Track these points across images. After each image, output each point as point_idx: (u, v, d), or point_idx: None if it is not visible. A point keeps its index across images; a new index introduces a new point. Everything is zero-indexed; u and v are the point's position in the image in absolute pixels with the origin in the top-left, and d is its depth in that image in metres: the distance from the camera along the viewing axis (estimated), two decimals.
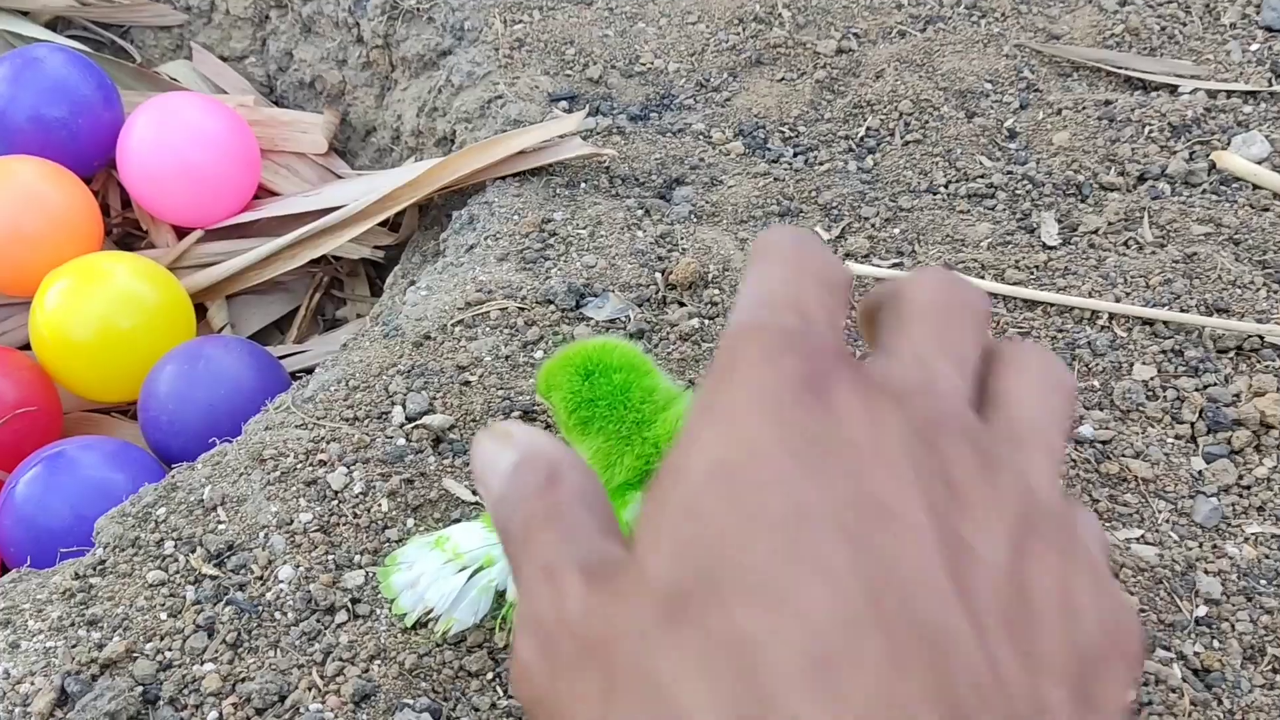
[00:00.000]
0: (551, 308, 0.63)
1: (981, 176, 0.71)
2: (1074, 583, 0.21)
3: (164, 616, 0.47)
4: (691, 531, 0.21)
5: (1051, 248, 0.65)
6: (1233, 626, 0.48)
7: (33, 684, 0.45)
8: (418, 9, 0.90)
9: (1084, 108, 0.75)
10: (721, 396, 0.23)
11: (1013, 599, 0.21)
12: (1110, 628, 0.22)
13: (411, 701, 0.45)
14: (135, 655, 0.46)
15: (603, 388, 0.44)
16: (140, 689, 0.44)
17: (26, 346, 0.85)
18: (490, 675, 0.46)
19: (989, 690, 0.19)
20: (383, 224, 0.86)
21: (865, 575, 0.20)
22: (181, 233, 0.92)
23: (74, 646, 0.46)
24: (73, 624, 0.47)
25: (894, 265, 0.66)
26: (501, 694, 0.45)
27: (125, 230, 0.96)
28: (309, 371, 0.87)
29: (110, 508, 0.70)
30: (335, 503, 0.52)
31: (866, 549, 0.20)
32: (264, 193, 0.94)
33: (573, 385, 0.44)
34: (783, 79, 0.81)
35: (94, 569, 0.50)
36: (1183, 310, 0.60)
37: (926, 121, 0.76)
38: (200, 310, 0.89)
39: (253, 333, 0.92)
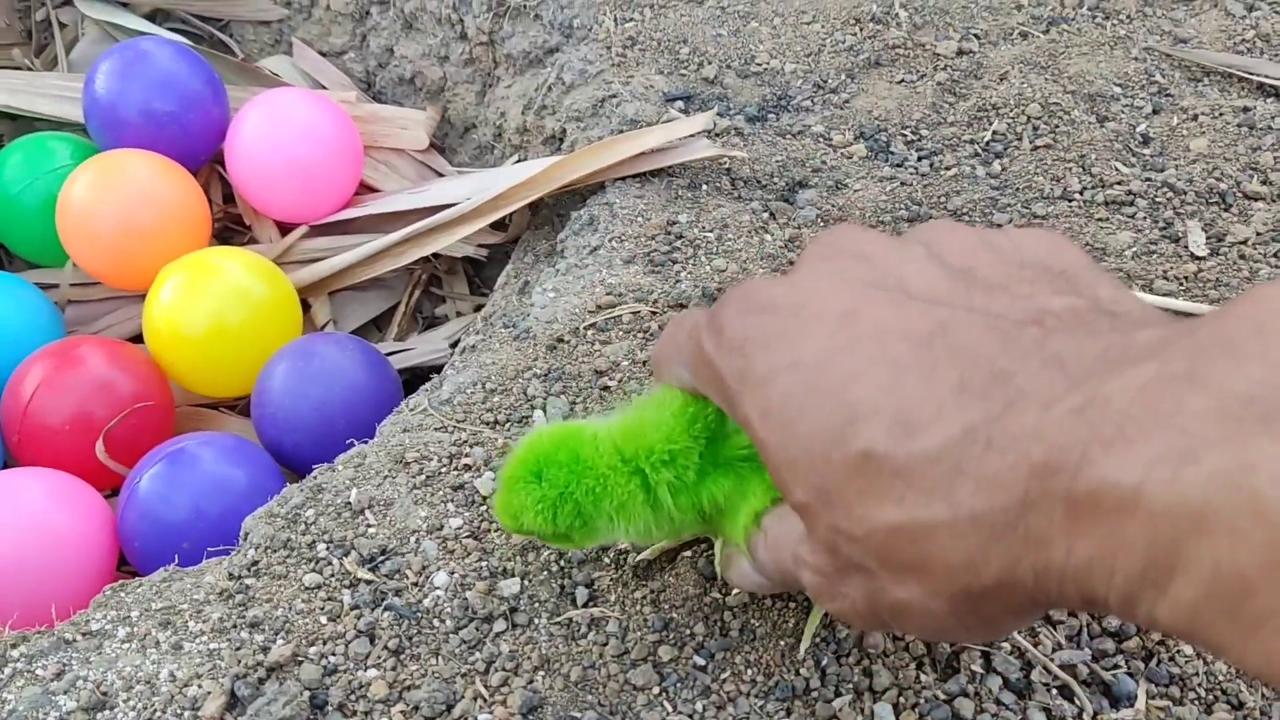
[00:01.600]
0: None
1: (1119, 183, 0.69)
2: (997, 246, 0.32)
3: (324, 620, 0.47)
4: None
5: (1200, 258, 0.64)
6: None
7: (200, 686, 0.44)
8: (524, 6, 0.89)
9: (1221, 114, 0.73)
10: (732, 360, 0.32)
11: (989, 275, 0.31)
12: (1042, 248, 0.32)
13: (579, 715, 0.44)
14: (300, 659, 0.45)
15: (559, 475, 0.40)
16: (308, 694, 0.44)
17: (133, 340, 0.86)
18: (657, 690, 0.45)
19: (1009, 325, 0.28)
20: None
21: (934, 320, 0.29)
22: (284, 228, 0.92)
23: (239, 649, 0.45)
24: (234, 626, 0.47)
25: None
26: (670, 709, 0.44)
27: (226, 225, 0.96)
28: (415, 371, 0.87)
29: (229, 504, 0.70)
30: (484, 509, 0.52)
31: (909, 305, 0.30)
32: (364, 189, 0.94)
33: (533, 494, 0.40)
34: (902, 80, 0.80)
35: (248, 569, 0.49)
36: None
37: (1056, 126, 0.74)
38: (303, 306, 0.89)
39: (353, 330, 0.92)
